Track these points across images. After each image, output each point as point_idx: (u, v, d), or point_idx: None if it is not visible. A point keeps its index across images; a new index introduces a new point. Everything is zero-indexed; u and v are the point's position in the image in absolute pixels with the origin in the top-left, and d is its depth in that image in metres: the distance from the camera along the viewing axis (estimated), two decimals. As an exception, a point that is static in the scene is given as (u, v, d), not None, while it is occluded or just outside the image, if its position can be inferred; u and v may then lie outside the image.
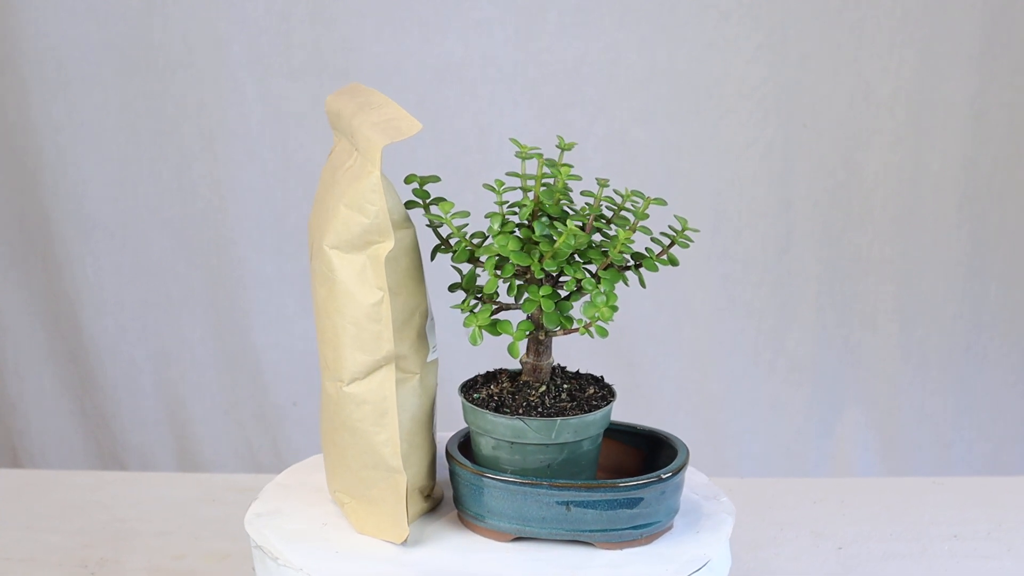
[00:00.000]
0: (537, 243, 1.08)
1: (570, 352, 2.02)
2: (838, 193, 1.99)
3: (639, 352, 2.04)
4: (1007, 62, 1.94)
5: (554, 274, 1.09)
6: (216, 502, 1.80)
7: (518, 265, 1.07)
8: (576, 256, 1.09)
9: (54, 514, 1.75)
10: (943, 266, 2.02)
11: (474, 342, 1.08)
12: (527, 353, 1.12)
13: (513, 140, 1.13)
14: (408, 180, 1.12)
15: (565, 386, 1.12)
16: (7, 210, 2.01)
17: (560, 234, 1.05)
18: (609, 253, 1.07)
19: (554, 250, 1.06)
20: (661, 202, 1.10)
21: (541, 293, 1.07)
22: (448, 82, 1.95)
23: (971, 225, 2.00)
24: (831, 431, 2.06)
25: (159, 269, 2.03)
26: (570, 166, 1.11)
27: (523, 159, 1.12)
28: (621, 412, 2.06)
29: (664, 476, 1.09)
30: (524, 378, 1.13)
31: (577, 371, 1.17)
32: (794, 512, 1.75)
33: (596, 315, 1.06)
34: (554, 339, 1.13)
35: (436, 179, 1.13)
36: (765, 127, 1.96)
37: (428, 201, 1.13)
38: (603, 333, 1.06)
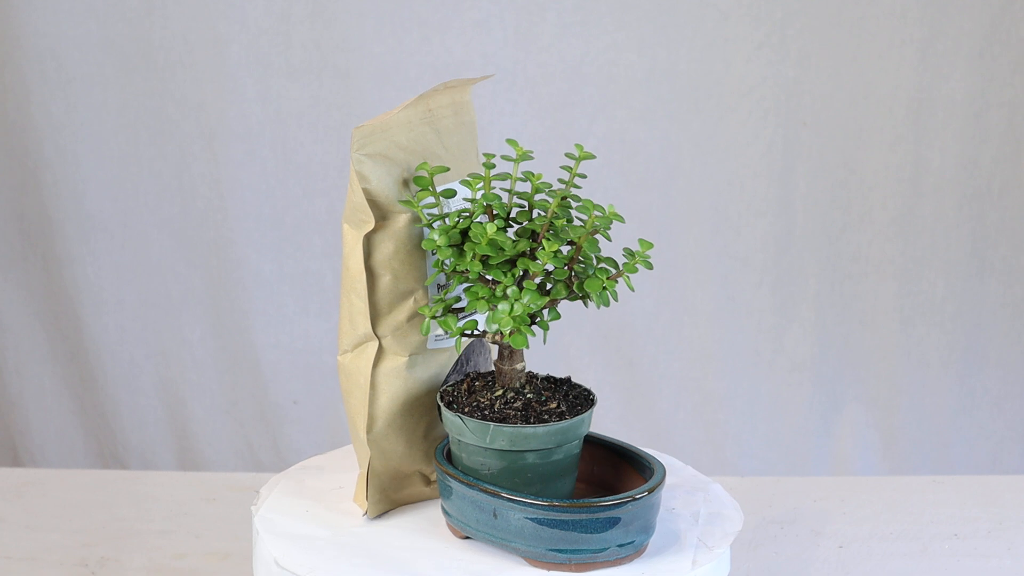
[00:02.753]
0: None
1: (570, 351, 2.02)
2: (838, 192, 1.99)
3: (639, 351, 2.04)
4: (1007, 62, 1.94)
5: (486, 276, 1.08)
6: (216, 501, 1.80)
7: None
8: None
9: (54, 513, 1.75)
10: (943, 266, 2.01)
11: (423, 331, 1.09)
12: (499, 356, 1.11)
13: (510, 141, 1.11)
14: (419, 168, 1.12)
15: (529, 395, 1.09)
16: (7, 209, 2.01)
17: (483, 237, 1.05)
18: (532, 264, 1.05)
19: (478, 252, 1.05)
20: (618, 218, 1.06)
21: (479, 294, 1.06)
22: (448, 82, 1.95)
23: (971, 225, 2.00)
24: (831, 430, 2.06)
25: (159, 269, 2.03)
26: (583, 176, 1.10)
27: (516, 162, 1.10)
28: (622, 411, 2.06)
29: (582, 504, 1.04)
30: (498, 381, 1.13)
31: (576, 385, 1.13)
32: (794, 511, 1.75)
33: (496, 323, 1.03)
34: (550, 338, 1.12)
35: (444, 169, 1.13)
36: (765, 126, 1.96)
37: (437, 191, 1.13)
38: (517, 343, 1.03)
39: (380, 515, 1.18)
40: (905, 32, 1.93)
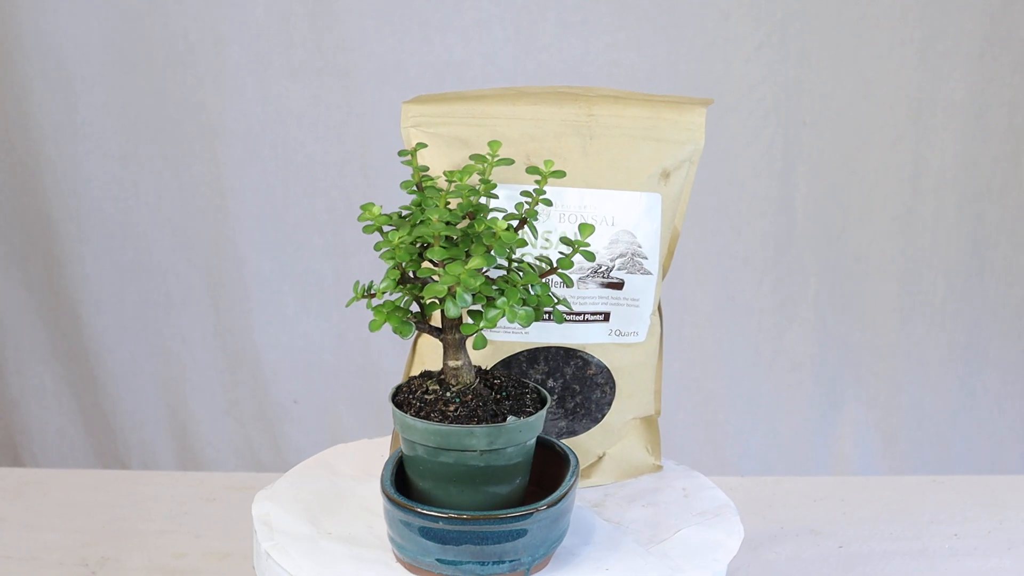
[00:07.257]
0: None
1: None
2: (838, 192, 1.99)
3: (639, 351, 2.04)
4: (1007, 62, 1.94)
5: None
6: (216, 501, 1.80)
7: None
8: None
9: (55, 513, 1.75)
10: (943, 266, 2.02)
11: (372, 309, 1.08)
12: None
13: (492, 143, 1.09)
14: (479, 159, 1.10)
15: (449, 394, 1.04)
16: (7, 209, 2.01)
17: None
18: (396, 257, 1.01)
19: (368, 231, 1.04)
20: (495, 244, 1.01)
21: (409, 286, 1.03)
22: (448, 82, 1.95)
23: (971, 225, 2.00)
24: (831, 430, 2.06)
25: (159, 268, 2.03)
26: (543, 192, 1.06)
27: (490, 165, 1.07)
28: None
29: (423, 511, 0.99)
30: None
31: (530, 400, 1.07)
32: (795, 511, 1.75)
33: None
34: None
35: (509, 162, 1.10)
36: (765, 126, 1.96)
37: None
38: (371, 326, 1.01)
39: None
40: (905, 32, 1.93)
